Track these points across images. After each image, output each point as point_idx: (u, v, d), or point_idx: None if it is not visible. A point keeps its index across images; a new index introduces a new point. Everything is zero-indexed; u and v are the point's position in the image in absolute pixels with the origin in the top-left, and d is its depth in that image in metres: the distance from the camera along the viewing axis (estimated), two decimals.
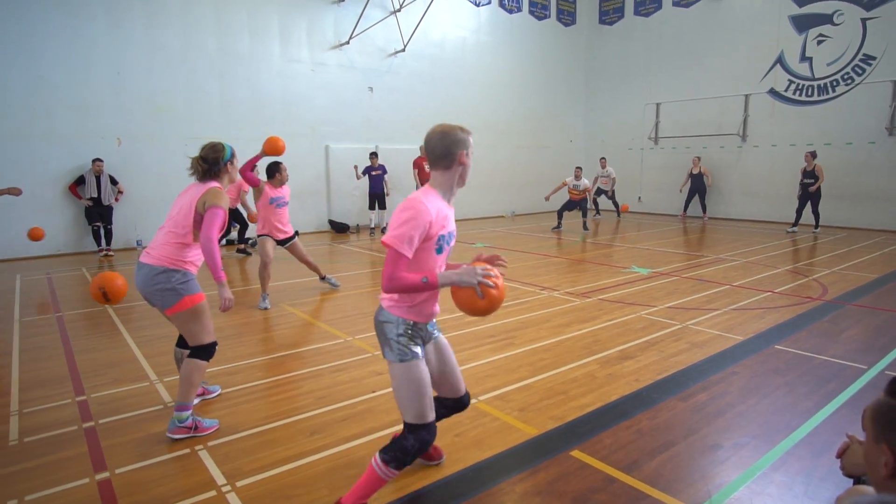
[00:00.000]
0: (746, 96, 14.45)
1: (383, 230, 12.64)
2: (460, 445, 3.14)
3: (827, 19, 12.98)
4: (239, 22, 11.43)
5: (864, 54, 12.47)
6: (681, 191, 15.15)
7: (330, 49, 12.82)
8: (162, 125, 10.68)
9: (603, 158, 15.55)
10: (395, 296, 2.39)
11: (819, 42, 13.17)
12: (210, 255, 3.20)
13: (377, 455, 2.39)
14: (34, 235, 7.84)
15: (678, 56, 15.82)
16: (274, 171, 6.40)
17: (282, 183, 6.43)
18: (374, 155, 12.35)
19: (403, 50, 13.89)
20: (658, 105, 16.40)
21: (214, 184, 3.38)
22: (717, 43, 14.95)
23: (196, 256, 3.35)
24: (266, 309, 6.12)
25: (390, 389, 3.91)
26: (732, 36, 14.61)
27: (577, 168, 13.00)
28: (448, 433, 3.28)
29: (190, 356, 3.31)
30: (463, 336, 5.14)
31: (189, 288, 3.26)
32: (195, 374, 3.28)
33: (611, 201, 15.59)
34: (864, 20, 12.42)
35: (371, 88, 13.52)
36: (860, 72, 12.58)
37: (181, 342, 3.60)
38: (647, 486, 2.73)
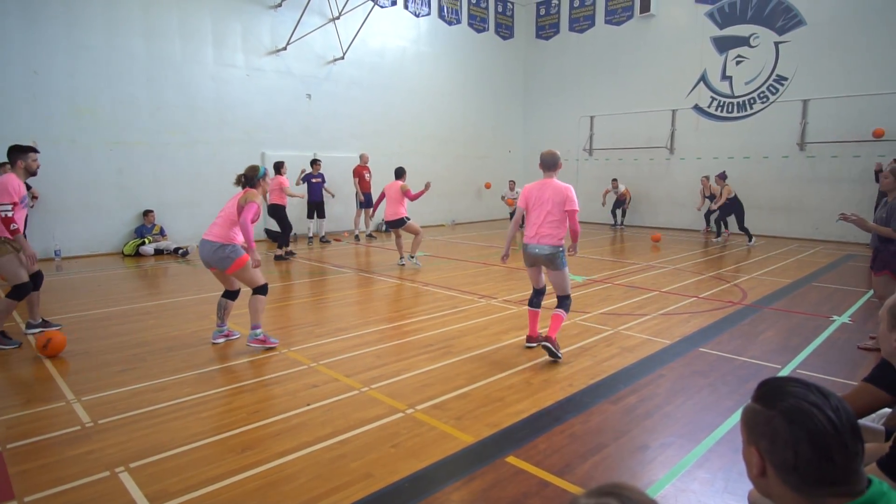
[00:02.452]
0: (673, 111, 15.21)
1: (322, 239, 12.44)
2: (396, 457, 3.12)
3: (744, 41, 13.89)
4: (169, 24, 11.02)
5: (778, 75, 13.41)
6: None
7: (266, 54, 12.56)
8: (84, 129, 10.12)
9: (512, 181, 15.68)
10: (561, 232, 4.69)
11: (738, 62, 14.06)
12: (245, 231, 4.80)
13: (559, 310, 4.78)
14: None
15: (610, 71, 16.48)
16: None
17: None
18: (315, 162, 12.16)
19: (342, 58, 13.78)
20: (592, 118, 17.00)
21: (251, 189, 4.99)
22: (646, 60, 15.69)
23: (238, 235, 4.90)
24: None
25: (326, 401, 3.84)
26: (660, 54, 15.38)
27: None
28: (384, 444, 3.25)
29: (254, 294, 4.99)
30: (401, 346, 5.12)
31: (238, 252, 4.86)
32: (259, 304, 4.99)
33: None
34: (776, 43, 13.37)
35: (309, 95, 13.33)
36: (774, 91, 13.51)
37: (227, 294, 5.17)
38: (580, 488, 2.79)
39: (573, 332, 5.54)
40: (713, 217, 13.31)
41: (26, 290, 5.13)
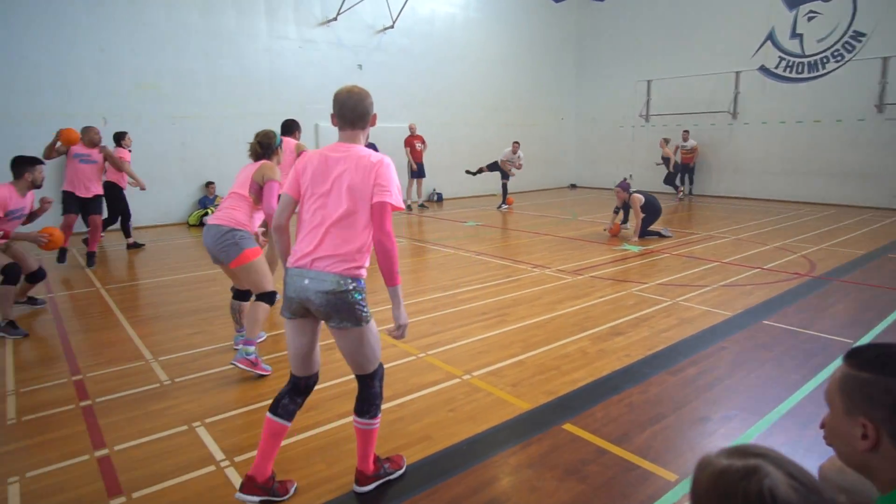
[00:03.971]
0: (737, 73, 14.43)
1: None
2: (454, 420, 3.19)
3: None
4: None
5: (855, 31, 12.46)
6: (670, 168, 15.12)
7: (318, 25, 12.62)
8: (146, 104, 10.51)
9: (515, 143, 13.23)
10: (364, 259, 2.39)
11: (810, 18, 13.13)
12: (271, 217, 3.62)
13: (360, 419, 2.52)
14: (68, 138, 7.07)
15: (670, 32, 15.73)
16: None
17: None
18: None
19: (392, 27, 13.69)
20: (649, 82, 16.34)
21: (266, 161, 3.98)
22: (708, 19, 14.87)
23: (257, 220, 4.01)
24: None
25: (385, 365, 3.94)
26: (724, 12, 14.53)
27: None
28: (442, 408, 3.33)
29: (256, 300, 3.92)
30: (456, 314, 5.18)
31: (249, 243, 3.86)
32: (260, 313, 3.90)
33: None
34: None
35: (360, 66, 13.35)
36: (850, 48, 12.58)
37: (237, 295, 4.22)
38: (638, 457, 2.79)
39: (629, 302, 5.46)
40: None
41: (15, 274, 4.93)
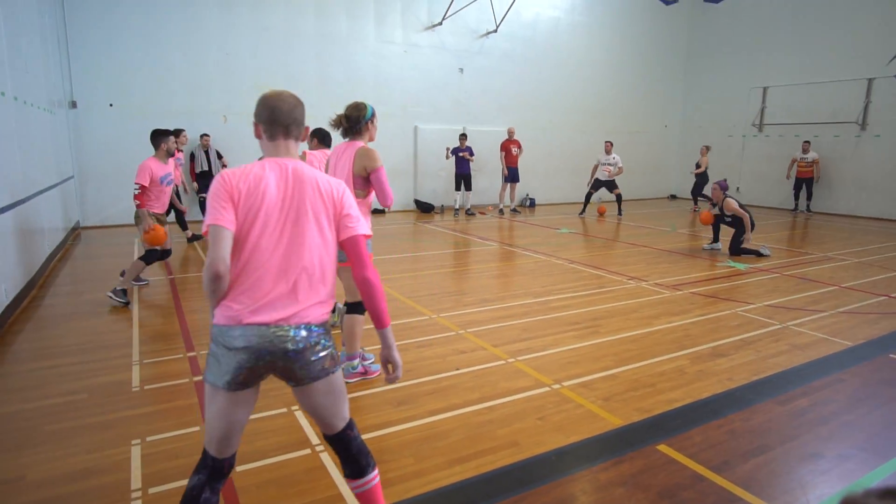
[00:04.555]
0: (869, 80, 13.13)
1: (468, 211, 12.71)
2: (543, 429, 3.16)
3: None
4: (337, 4, 11.77)
5: None
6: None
7: (423, 30, 12.92)
8: None
9: (608, 142, 13.03)
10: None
11: None
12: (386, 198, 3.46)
13: (358, 480, 2.04)
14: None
15: (791, 34, 14.60)
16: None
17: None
18: (463, 136, 12.41)
19: (495, 31, 13.75)
20: (765, 89, 15.27)
21: (360, 144, 3.51)
22: (836, 20, 13.64)
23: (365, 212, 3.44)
24: None
25: (475, 367, 3.98)
26: (855, 13, 13.26)
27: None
28: (531, 416, 3.30)
29: (348, 313, 3.67)
30: (547, 321, 5.12)
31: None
32: (356, 327, 3.69)
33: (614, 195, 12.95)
34: None
35: (461, 70, 13.52)
36: None
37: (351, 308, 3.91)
38: (739, 488, 2.63)
39: (732, 322, 5.14)
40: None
41: (154, 256, 5.74)
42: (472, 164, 12.54)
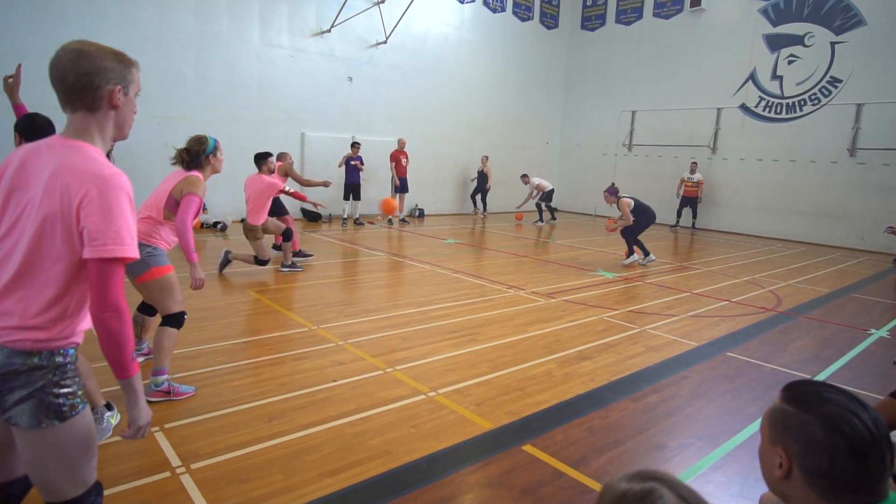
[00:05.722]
0: (718, 109, 14.83)
1: (356, 221, 12.61)
2: (416, 437, 3.21)
3: (798, 40, 13.40)
4: (219, 2, 11.25)
5: (831, 77, 12.92)
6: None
7: (311, 36, 12.70)
8: None
9: (524, 175, 15.05)
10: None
11: (790, 62, 13.58)
12: (183, 237, 3.54)
13: None
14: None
15: (656, 66, 16.13)
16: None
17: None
18: (355, 145, 12.29)
19: (385, 42, 13.83)
20: (633, 113, 16.70)
21: (195, 173, 3.61)
22: (693, 56, 15.30)
23: (167, 235, 3.63)
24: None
25: (352, 378, 3.96)
26: (709, 50, 14.97)
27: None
28: (405, 424, 3.34)
29: (162, 325, 3.54)
30: (427, 330, 5.21)
31: (157, 261, 3.47)
32: (167, 341, 3.52)
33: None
34: (833, 44, 12.86)
35: (350, 78, 13.44)
36: (826, 93, 13.02)
37: (142, 307, 3.95)
38: (594, 480, 2.84)
39: (598, 327, 5.54)
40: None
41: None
42: (361, 174, 12.48)
